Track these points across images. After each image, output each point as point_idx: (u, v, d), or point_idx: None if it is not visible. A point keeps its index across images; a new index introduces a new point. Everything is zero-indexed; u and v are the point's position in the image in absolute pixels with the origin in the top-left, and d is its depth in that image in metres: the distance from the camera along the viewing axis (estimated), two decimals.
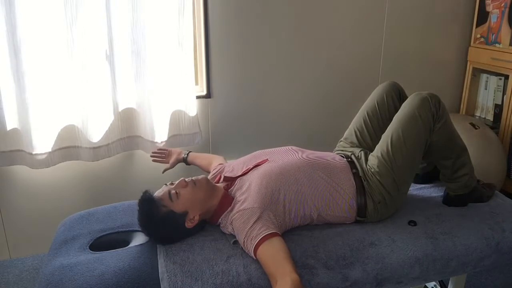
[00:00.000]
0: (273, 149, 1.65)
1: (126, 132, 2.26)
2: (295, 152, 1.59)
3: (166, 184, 1.48)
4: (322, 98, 2.65)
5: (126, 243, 1.49)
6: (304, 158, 1.55)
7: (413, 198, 1.74)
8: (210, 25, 2.31)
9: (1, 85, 1.96)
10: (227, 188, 1.54)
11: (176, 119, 2.28)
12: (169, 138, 2.27)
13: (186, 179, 1.46)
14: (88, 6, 1.97)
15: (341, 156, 1.65)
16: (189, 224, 1.42)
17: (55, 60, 2.00)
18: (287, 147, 1.64)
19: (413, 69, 2.78)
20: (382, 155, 1.56)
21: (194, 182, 1.45)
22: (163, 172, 2.00)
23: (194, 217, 1.43)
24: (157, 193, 1.44)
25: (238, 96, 2.48)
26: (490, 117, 2.75)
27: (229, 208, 1.45)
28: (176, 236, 1.43)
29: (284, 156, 1.57)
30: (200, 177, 1.49)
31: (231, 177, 1.58)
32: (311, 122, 2.67)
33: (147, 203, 1.40)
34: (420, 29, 2.71)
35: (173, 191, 1.41)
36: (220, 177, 1.63)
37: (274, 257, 1.26)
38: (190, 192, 1.43)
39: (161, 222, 1.39)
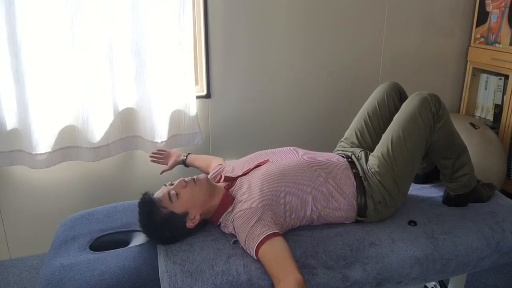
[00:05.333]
0: (273, 149, 1.65)
1: (126, 132, 2.25)
2: (296, 153, 1.59)
3: (165, 185, 1.47)
4: (322, 98, 2.65)
5: (126, 243, 1.49)
6: (304, 159, 1.55)
7: (413, 198, 1.74)
8: (210, 25, 2.31)
9: (1, 85, 1.96)
10: (227, 188, 1.54)
11: (176, 119, 2.28)
12: (169, 138, 2.27)
13: (186, 179, 1.46)
14: (88, 6, 1.97)
15: (342, 156, 1.65)
16: (190, 224, 1.42)
17: (55, 60, 2.00)
18: (287, 148, 1.64)
19: (413, 69, 2.78)
20: (382, 155, 1.56)
21: (194, 181, 1.45)
22: (161, 173, 2.00)
23: (195, 217, 1.42)
24: (157, 194, 1.43)
25: (238, 96, 2.48)
26: (490, 117, 2.75)
27: (230, 208, 1.45)
28: (177, 236, 1.42)
29: (284, 156, 1.57)
30: (201, 176, 1.49)
31: (231, 177, 1.58)
32: (311, 122, 2.67)
33: (147, 205, 1.40)
34: (420, 29, 2.71)
35: (172, 192, 1.41)
36: (221, 177, 1.63)
37: (277, 257, 1.26)
38: (190, 192, 1.42)
39: (162, 223, 1.39)
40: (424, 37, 2.74)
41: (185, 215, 1.41)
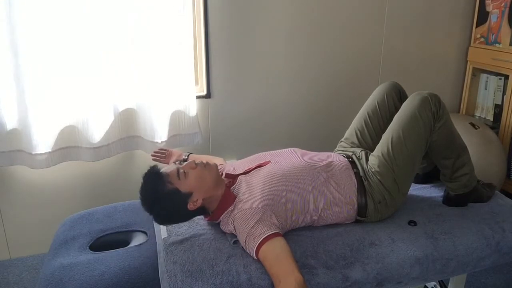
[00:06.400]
0: (275, 151, 1.65)
1: (126, 132, 2.25)
2: (297, 154, 1.59)
3: (174, 163, 1.47)
4: (322, 98, 2.65)
5: (126, 243, 1.49)
6: (305, 160, 1.55)
7: (413, 198, 1.74)
8: (210, 24, 2.31)
9: (1, 85, 1.96)
10: (229, 185, 1.54)
11: (176, 119, 2.28)
12: (169, 138, 2.27)
13: (196, 161, 1.45)
14: (88, 6, 1.97)
15: (342, 156, 1.65)
16: (191, 206, 1.41)
17: (55, 60, 2.00)
18: (289, 149, 1.64)
19: (413, 69, 2.78)
20: (382, 155, 1.56)
21: (204, 165, 1.44)
22: None
23: (197, 200, 1.42)
24: (165, 169, 1.42)
25: (238, 96, 2.48)
26: (490, 117, 2.75)
27: (231, 207, 1.45)
28: (174, 215, 1.42)
29: (286, 158, 1.57)
30: (211, 162, 1.49)
31: (232, 174, 1.58)
32: (312, 122, 2.67)
33: (154, 177, 1.39)
34: (420, 29, 2.71)
35: (182, 170, 1.40)
36: (222, 175, 1.62)
37: (277, 257, 1.26)
38: (199, 174, 1.42)
39: (163, 198, 1.38)
40: (424, 37, 2.74)
41: (188, 195, 1.40)
